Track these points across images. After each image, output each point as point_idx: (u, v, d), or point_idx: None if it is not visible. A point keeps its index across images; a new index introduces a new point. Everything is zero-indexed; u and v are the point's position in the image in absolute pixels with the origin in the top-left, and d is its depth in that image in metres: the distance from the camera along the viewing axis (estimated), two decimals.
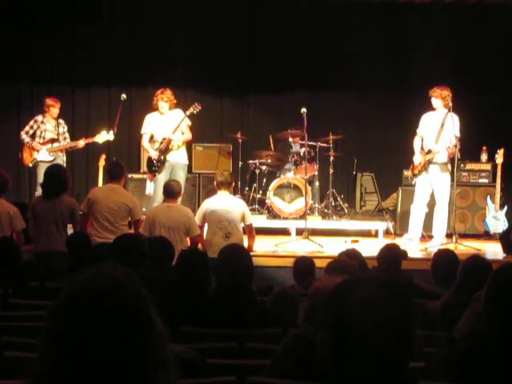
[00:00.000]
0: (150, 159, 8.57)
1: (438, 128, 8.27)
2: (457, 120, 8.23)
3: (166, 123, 8.48)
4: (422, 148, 8.39)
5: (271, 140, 10.52)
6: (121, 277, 1.41)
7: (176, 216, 6.92)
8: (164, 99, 8.43)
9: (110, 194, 6.91)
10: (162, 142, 8.45)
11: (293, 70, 10.94)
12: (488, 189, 9.66)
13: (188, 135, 8.59)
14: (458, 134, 8.12)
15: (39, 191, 8.81)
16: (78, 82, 10.97)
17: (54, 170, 6.89)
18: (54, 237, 6.40)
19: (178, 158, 8.50)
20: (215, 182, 7.41)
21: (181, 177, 8.32)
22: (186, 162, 8.65)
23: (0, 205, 6.56)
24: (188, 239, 6.98)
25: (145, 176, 9.34)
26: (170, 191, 7.13)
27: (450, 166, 8.30)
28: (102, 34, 10.81)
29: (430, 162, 8.27)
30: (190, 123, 8.58)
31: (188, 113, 8.54)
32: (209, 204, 7.27)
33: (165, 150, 8.42)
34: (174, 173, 8.37)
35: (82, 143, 8.92)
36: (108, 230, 6.69)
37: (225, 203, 7.22)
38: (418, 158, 8.37)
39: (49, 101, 9.05)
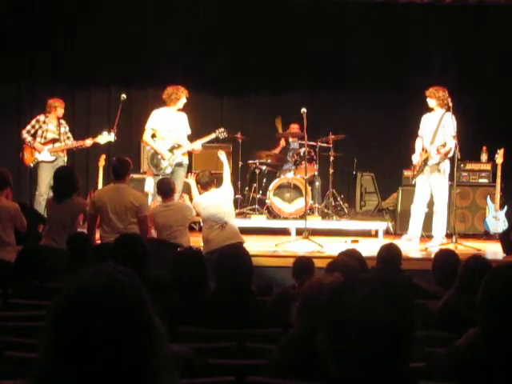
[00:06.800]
0: (156, 156, 8.32)
1: (435, 128, 8.26)
2: (453, 119, 8.14)
3: (175, 122, 8.38)
4: (423, 148, 8.39)
5: (278, 125, 10.51)
6: (120, 277, 1.41)
7: (177, 214, 6.96)
8: (186, 96, 8.34)
9: (116, 195, 6.73)
10: (173, 147, 8.34)
11: (293, 69, 10.95)
12: (488, 189, 9.66)
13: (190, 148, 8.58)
14: (454, 134, 8.08)
15: (40, 191, 8.84)
16: (78, 82, 10.98)
17: (63, 172, 6.87)
18: (62, 236, 6.36)
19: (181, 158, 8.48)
20: (199, 185, 7.44)
21: (181, 175, 8.29)
22: (187, 162, 8.61)
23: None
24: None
25: (145, 176, 9.32)
26: (167, 190, 7.12)
27: (445, 166, 8.24)
28: (102, 34, 10.82)
29: (425, 162, 8.27)
30: (190, 133, 8.53)
31: (214, 136, 8.50)
32: (200, 202, 7.33)
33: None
34: (175, 172, 8.33)
35: (89, 142, 8.94)
36: (118, 231, 6.41)
37: (215, 196, 7.30)
38: (415, 158, 8.38)
39: (54, 102, 9.06)
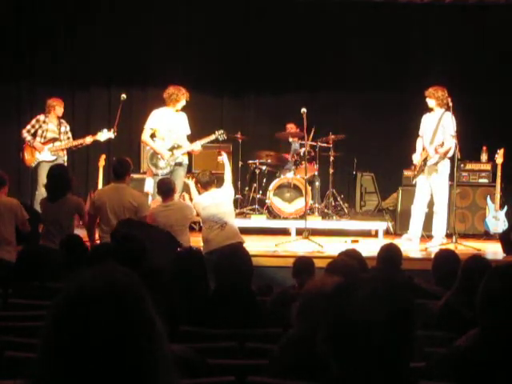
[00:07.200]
0: (155, 156, 8.31)
1: (434, 128, 8.26)
2: (453, 119, 8.12)
3: (175, 122, 8.37)
4: (423, 148, 8.38)
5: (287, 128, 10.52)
6: (120, 277, 1.41)
7: (177, 214, 6.97)
8: (186, 99, 8.34)
9: (116, 195, 6.73)
10: (173, 147, 8.32)
11: (293, 69, 10.96)
12: (488, 189, 9.66)
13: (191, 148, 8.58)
14: (453, 133, 8.06)
15: (40, 191, 8.82)
16: (78, 82, 10.98)
17: (56, 171, 6.85)
18: (60, 237, 6.34)
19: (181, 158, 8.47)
20: (199, 185, 7.45)
21: (181, 175, 8.28)
22: (187, 162, 8.61)
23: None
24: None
25: (145, 176, 9.31)
26: (167, 190, 7.12)
27: (445, 166, 8.22)
28: (101, 34, 10.82)
29: (425, 162, 8.26)
30: (189, 133, 8.52)
31: (213, 137, 8.47)
32: (200, 202, 7.34)
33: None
34: (174, 172, 8.33)
35: (89, 140, 8.93)
36: None
37: (215, 196, 7.31)
38: (415, 158, 8.38)
39: (52, 101, 9.05)
